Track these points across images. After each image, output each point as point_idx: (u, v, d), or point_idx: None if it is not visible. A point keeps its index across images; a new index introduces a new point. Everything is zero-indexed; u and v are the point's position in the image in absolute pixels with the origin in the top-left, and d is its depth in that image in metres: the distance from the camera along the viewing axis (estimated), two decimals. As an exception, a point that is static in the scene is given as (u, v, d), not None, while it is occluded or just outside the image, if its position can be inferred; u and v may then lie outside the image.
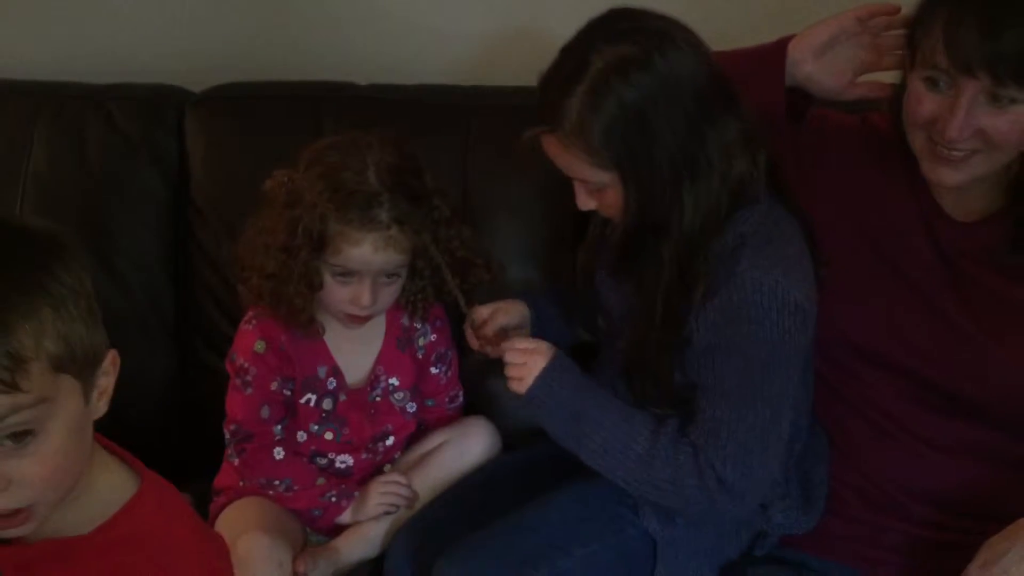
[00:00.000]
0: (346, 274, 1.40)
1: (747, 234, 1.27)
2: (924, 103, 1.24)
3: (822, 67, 1.39)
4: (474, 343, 1.46)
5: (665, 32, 1.23)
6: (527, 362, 1.35)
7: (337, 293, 1.42)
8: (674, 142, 1.22)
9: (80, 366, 0.91)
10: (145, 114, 1.75)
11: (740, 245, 1.26)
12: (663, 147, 1.22)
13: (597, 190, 1.28)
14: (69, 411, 0.91)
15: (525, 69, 1.79)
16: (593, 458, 1.34)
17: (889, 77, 1.38)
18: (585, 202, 1.31)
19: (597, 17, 1.26)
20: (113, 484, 0.98)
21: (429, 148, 1.55)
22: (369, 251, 1.37)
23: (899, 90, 1.31)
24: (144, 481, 0.99)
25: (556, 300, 1.58)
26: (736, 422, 1.26)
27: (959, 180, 1.27)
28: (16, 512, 0.91)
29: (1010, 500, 1.31)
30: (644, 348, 1.31)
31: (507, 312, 1.49)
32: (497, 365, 1.40)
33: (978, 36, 1.16)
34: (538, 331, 1.50)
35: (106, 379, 0.95)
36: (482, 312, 1.46)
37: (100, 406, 0.96)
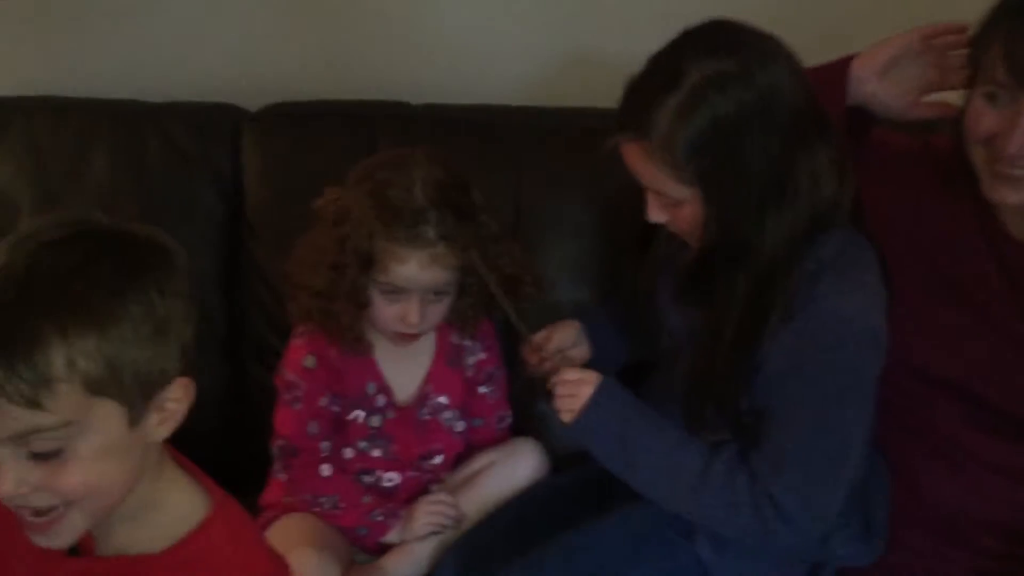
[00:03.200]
0: (394, 292, 1.40)
1: (827, 259, 1.24)
2: (984, 119, 1.22)
3: (886, 86, 1.37)
4: (533, 359, 1.45)
5: (766, 48, 1.20)
6: (575, 393, 1.34)
7: (385, 311, 1.42)
8: (765, 164, 1.19)
9: (127, 391, 0.89)
10: (202, 132, 1.77)
11: (820, 270, 1.23)
12: (753, 168, 1.19)
13: (673, 205, 1.25)
14: (106, 434, 0.89)
15: (579, 90, 1.83)
16: (644, 487, 1.32)
17: (954, 98, 1.35)
18: (656, 215, 1.28)
19: (694, 27, 1.22)
20: (185, 504, 0.98)
21: (482, 168, 1.55)
22: (415, 268, 1.37)
23: (962, 110, 1.29)
24: (216, 502, 0.99)
25: (612, 317, 1.56)
26: (804, 451, 1.23)
27: (1021, 200, 1.24)
28: (49, 510, 0.90)
29: None
30: (710, 373, 1.27)
31: (562, 332, 1.48)
32: (545, 385, 1.40)
33: None
34: (593, 349, 1.49)
35: (175, 405, 0.93)
36: (538, 339, 1.46)
37: (159, 430, 0.94)
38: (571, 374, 1.36)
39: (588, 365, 1.45)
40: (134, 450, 0.93)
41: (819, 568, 1.38)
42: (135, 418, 0.91)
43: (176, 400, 0.94)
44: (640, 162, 1.23)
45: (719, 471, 1.27)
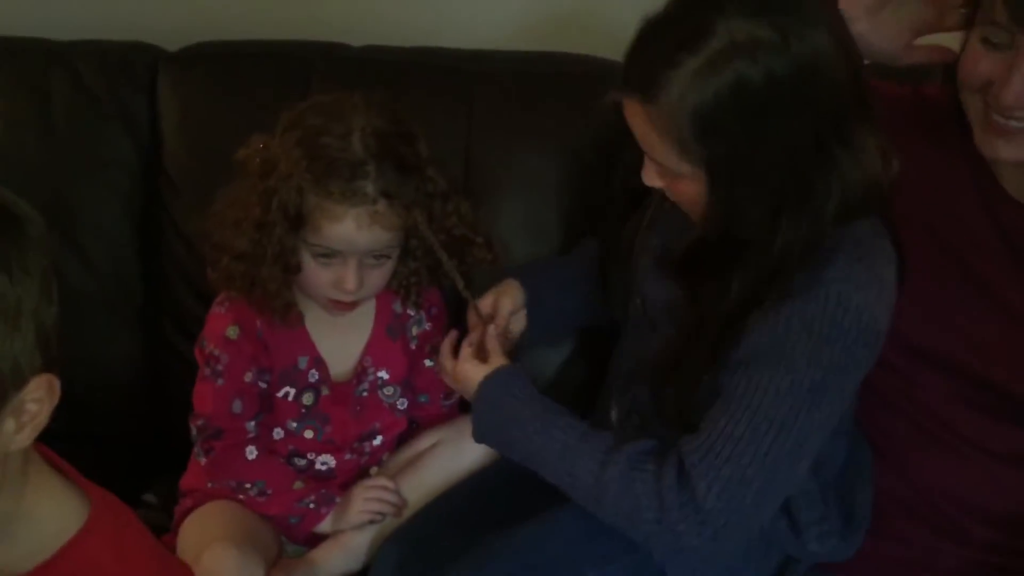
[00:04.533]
0: (328, 255, 1.30)
1: (846, 242, 1.11)
2: (980, 64, 1.14)
3: (877, 26, 1.27)
4: (473, 322, 1.38)
5: (808, 9, 1.05)
6: (464, 366, 1.30)
7: (318, 276, 1.32)
8: (788, 155, 1.05)
9: None
10: (114, 73, 1.68)
11: (835, 251, 1.11)
12: (773, 158, 1.05)
13: (671, 175, 1.12)
14: None
15: (530, 33, 1.74)
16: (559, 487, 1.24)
17: (951, 41, 1.25)
18: (652, 180, 1.15)
19: None
20: (57, 514, 0.89)
21: (428, 117, 1.45)
22: (352, 228, 1.27)
23: (959, 55, 1.21)
24: (95, 508, 0.90)
25: (571, 275, 1.46)
26: (747, 444, 1.10)
27: (1015, 155, 1.17)
28: None
29: None
30: (682, 364, 1.16)
31: (508, 295, 1.39)
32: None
33: None
34: (538, 313, 1.41)
35: (35, 407, 0.83)
36: (485, 305, 1.37)
37: (18, 438, 0.83)
38: (457, 368, 1.32)
39: (536, 335, 1.40)
40: None
41: (792, 562, 1.31)
42: None
43: (37, 401, 0.83)
44: (640, 125, 1.09)
45: (616, 474, 1.16)
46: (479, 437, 1.30)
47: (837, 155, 1.07)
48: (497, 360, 1.29)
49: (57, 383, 0.83)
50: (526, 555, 1.24)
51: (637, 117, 1.09)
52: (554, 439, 1.21)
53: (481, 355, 1.31)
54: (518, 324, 1.41)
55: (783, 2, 1.04)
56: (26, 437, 0.84)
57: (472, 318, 1.38)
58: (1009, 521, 1.26)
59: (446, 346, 1.35)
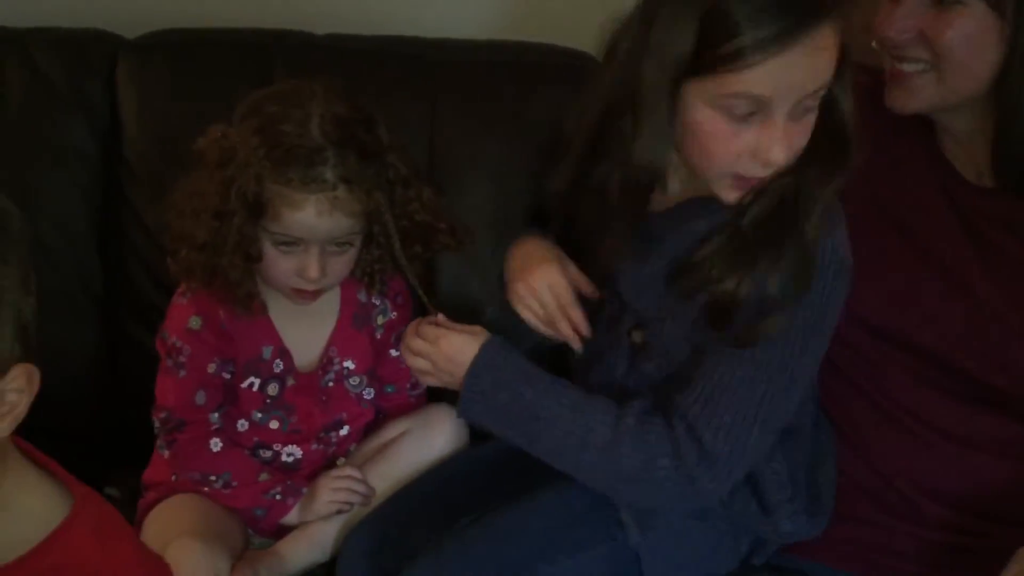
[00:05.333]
0: (289, 243, 1.29)
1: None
2: (882, 15, 1.19)
3: None
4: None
5: None
6: (449, 337, 1.23)
7: (280, 265, 1.30)
8: None
9: None
10: (73, 61, 1.64)
11: None
12: None
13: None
14: None
15: (492, 22, 1.72)
16: (550, 458, 1.21)
17: None
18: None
19: None
20: (39, 506, 0.89)
21: (392, 105, 1.45)
22: (312, 215, 1.25)
23: None
24: (77, 501, 0.89)
25: None
26: (745, 390, 1.14)
27: (912, 105, 1.21)
28: None
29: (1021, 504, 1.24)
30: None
31: None
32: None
33: None
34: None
35: (15, 396, 0.83)
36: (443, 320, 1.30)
37: (1, 427, 0.83)
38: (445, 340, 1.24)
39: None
40: None
41: (760, 546, 1.31)
42: None
43: (16, 391, 0.83)
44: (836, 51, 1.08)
45: (630, 425, 1.17)
46: (466, 409, 1.23)
47: None
48: (477, 328, 1.25)
49: (37, 374, 0.83)
50: (501, 543, 1.24)
51: (835, 43, 1.06)
52: (566, 396, 1.20)
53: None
54: None
55: None
56: (5, 427, 0.83)
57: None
58: (968, 503, 1.27)
59: (412, 328, 1.28)
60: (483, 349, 1.22)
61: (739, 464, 1.17)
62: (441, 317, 1.26)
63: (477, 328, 1.25)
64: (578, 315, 1.26)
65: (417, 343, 1.25)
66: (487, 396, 1.21)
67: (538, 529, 1.25)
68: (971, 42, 1.15)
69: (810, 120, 1.09)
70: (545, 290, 1.26)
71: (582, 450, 1.19)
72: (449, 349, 1.23)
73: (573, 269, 1.29)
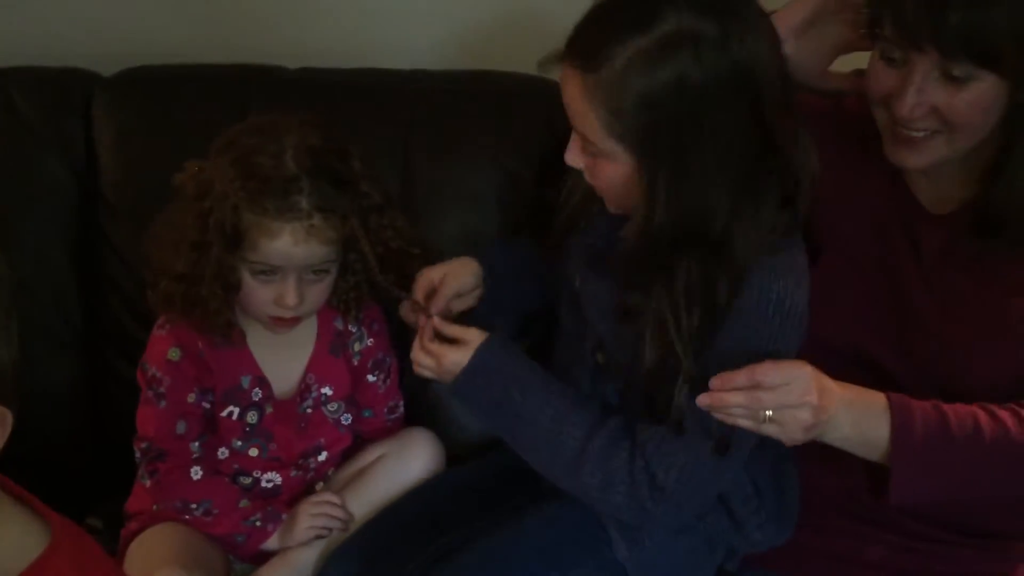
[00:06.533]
0: (267, 272, 1.30)
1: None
2: (881, 79, 1.19)
3: (803, 46, 1.30)
4: (410, 318, 1.33)
5: (751, 16, 1.09)
6: (449, 355, 1.24)
7: (258, 294, 1.32)
8: (726, 147, 1.07)
9: None
10: (49, 99, 1.65)
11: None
12: (710, 149, 1.07)
13: (595, 155, 1.14)
14: None
15: (462, 51, 1.75)
16: (525, 454, 1.26)
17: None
18: (574, 159, 1.17)
19: None
20: (17, 539, 0.88)
21: (366, 136, 1.47)
22: (289, 243, 1.27)
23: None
24: (55, 533, 0.88)
25: (524, 256, 1.44)
26: (697, 431, 1.15)
27: (920, 163, 1.21)
28: None
29: (993, 513, 1.26)
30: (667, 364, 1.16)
31: (457, 276, 1.35)
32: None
33: (923, 7, 1.11)
34: (491, 293, 1.38)
35: None
36: (432, 276, 1.32)
37: None
38: (453, 330, 1.26)
39: (487, 312, 1.36)
40: None
41: (732, 554, 1.33)
42: None
43: None
44: (576, 96, 1.11)
45: (598, 446, 1.20)
46: (461, 408, 1.27)
47: (779, 151, 1.11)
48: (472, 334, 1.26)
49: (10, 417, 0.83)
50: (495, 567, 1.24)
51: (573, 86, 1.11)
52: (548, 403, 1.22)
53: (445, 341, 1.27)
54: (462, 305, 1.36)
55: (729, 4, 1.08)
56: None
57: (405, 311, 1.35)
58: (933, 513, 1.27)
59: (418, 345, 1.29)
60: (474, 356, 1.24)
61: (691, 500, 1.20)
62: (436, 320, 1.27)
63: (472, 333, 1.25)
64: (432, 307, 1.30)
65: (422, 359, 1.27)
66: (479, 394, 1.24)
67: (529, 551, 1.26)
68: (982, 107, 1.15)
69: None
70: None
71: (554, 458, 1.21)
72: (449, 365, 1.25)
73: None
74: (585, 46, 1.09)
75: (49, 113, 1.64)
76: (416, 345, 1.28)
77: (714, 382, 1.09)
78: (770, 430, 1.10)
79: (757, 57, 1.08)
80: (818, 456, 1.30)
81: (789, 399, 1.09)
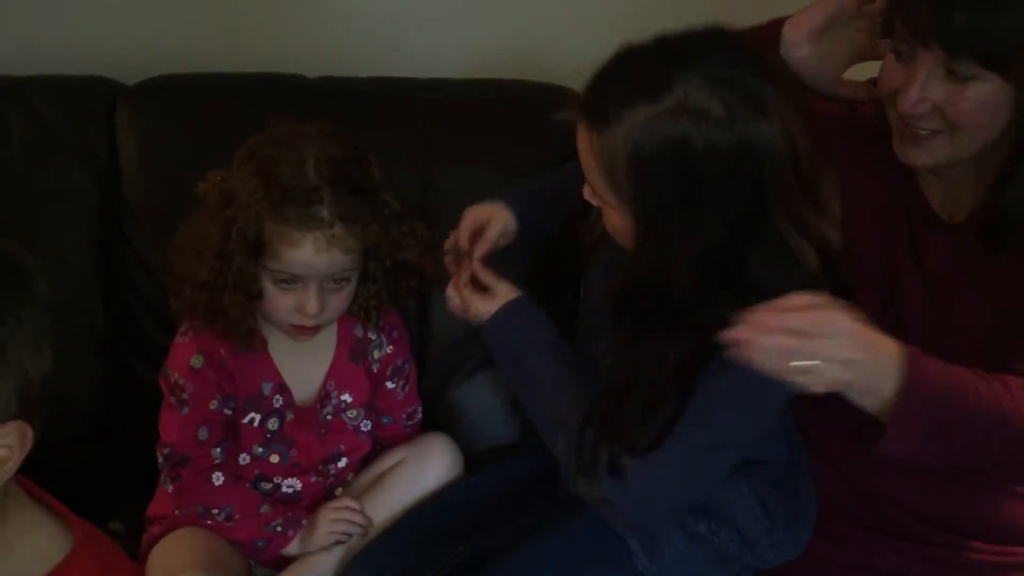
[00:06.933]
0: (288, 280, 1.31)
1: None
2: (891, 74, 1.20)
3: (818, 52, 1.31)
4: (452, 268, 1.36)
5: (764, 97, 1.08)
6: (477, 304, 1.28)
7: (280, 302, 1.33)
8: (719, 222, 1.08)
9: None
10: (73, 108, 1.66)
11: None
12: (703, 221, 1.08)
13: (601, 200, 1.16)
14: None
15: (480, 60, 1.77)
16: (530, 411, 1.28)
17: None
18: (588, 196, 1.19)
19: (700, 34, 1.10)
20: (43, 543, 0.90)
21: (384, 145, 1.47)
22: (311, 252, 1.28)
23: None
24: (78, 537, 0.90)
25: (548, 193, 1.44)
26: (675, 440, 1.15)
27: (925, 161, 1.22)
28: None
29: (1007, 519, 1.27)
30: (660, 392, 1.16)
31: (501, 217, 1.36)
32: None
33: (931, 5, 1.12)
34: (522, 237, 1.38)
35: (5, 452, 0.83)
36: (479, 215, 1.34)
37: None
38: (488, 277, 1.30)
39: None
40: None
41: (747, 567, 1.33)
42: None
43: (7, 447, 0.83)
44: (584, 148, 1.13)
45: (590, 436, 1.20)
46: (491, 346, 1.29)
47: (773, 234, 1.10)
48: (503, 288, 1.29)
49: (31, 433, 0.83)
50: None
51: (583, 140, 1.13)
52: (558, 371, 1.24)
53: (479, 288, 1.30)
54: (506, 241, 1.37)
55: (743, 86, 1.07)
56: None
57: (449, 262, 1.36)
58: (945, 520, 1.28)
59: (452, 285, 1.32)
60: (496, 314, 1.27)
61: (648, 503, 1.21)
62: (476, 264, 1.30)
63: (503, 287, 1.28)
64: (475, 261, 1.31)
65: (454, 297, 1.30)
66: (498, 347, 1.28)
67: (555, 565, 1.27)
68: (986, 109, 1.15)
69: None
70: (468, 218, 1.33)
71: (555, 430, 1.23)
72: (475, 313, 1.29)
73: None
74: (595, 104, 1.10)
75: (72, 122, 1.65)
76: (452, 282, 1.32)
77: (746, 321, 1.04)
78: (798, 380, 1.06)
79: (763, 139, 1.07)
80: (824, 463, 1.33)
81: (840, 354, 1.04)
